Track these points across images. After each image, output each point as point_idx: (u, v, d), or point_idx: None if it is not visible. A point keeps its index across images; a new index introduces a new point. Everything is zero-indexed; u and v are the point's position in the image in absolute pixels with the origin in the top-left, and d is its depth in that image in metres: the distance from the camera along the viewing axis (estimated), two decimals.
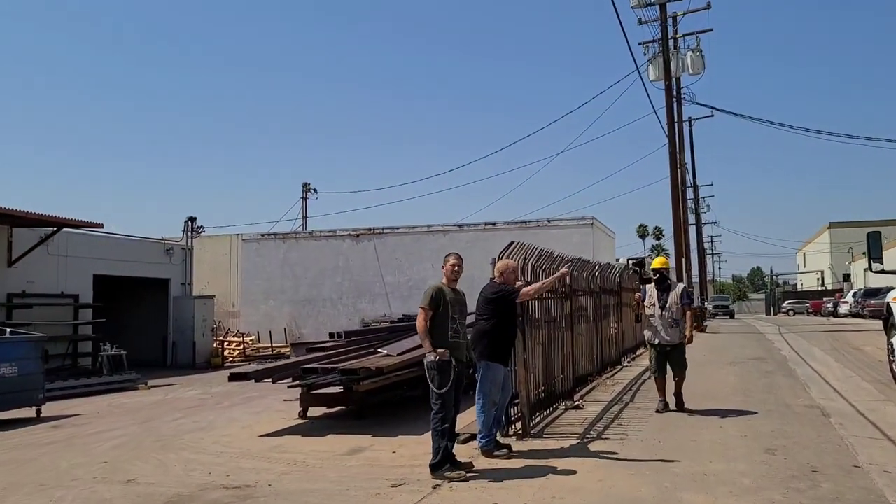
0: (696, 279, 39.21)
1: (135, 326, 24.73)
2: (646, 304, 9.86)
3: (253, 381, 9.15)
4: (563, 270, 8.75)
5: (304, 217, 31.90)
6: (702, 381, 12.04)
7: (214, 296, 26.10)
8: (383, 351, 10.26)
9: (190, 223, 25.53)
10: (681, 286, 10.15)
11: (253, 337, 27.38)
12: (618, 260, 25.52)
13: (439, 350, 6.59)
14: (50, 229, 19.96)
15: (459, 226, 25.81)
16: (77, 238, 21.80)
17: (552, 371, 9.89)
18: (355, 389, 9.34)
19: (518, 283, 8.27)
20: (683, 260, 26.33)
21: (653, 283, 9.86)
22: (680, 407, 9.69)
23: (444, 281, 6.93)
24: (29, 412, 11.90)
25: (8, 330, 12.36)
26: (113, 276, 22.96)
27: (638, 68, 21.70)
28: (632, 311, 16.00)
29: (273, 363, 11.04)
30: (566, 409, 10.01)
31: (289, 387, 9.47)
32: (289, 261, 27.71)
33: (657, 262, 10.12)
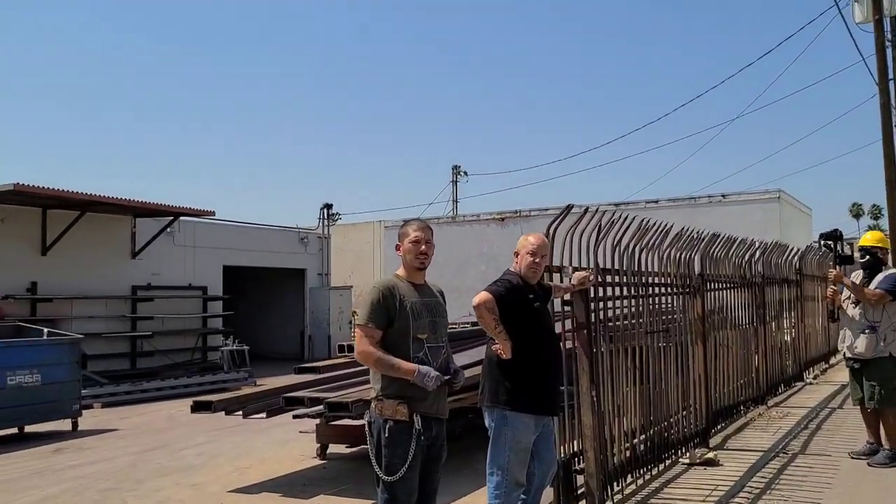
0: None
1: (271, 320, 23.77)
2: (842, 296, 7.02)
3: (217, 412, 6.69)
4: (579, 274, 5.44)
5: (455, 201, 29.75)
6: None
7: (352, 287, 24.50)
8: None
9: (326, 210, 24.07)
10: (890, 272, 6.70)
11: None
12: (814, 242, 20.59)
13: (386, 403, 3.73)
14: (167, 219, 19.08)
15: (616, 204, 22.22)
16: (205, 228, 20.97)
17: (661, 407, 6.55)
18: None
19: (568, 279, 5.20)
20: None
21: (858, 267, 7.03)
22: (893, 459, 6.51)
23: (401, 272, 4.00)
24: (65, 424, 10.46)
25: (46, 330, 10.98)
26: (244, 266, 22.00)
27: (837, 3, 16.71)
28: (826, 307, 11.90)
29: (260, 388, 8.55)
30: (689, 467, 6.64)
31: (294, 416, 6.92)
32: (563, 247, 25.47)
33: (868, 238, 7.05)
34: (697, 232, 7.61)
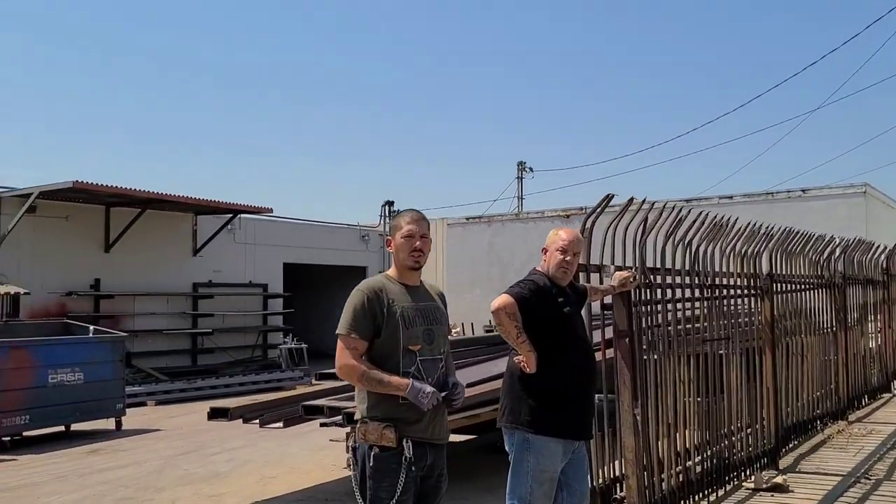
0: None
1: (330, 318, 23.48)
2: None
3: (234, 420, 6.27)
4: (620, 274, 4.75)
5: (520, 197, 28.97)
6: None
7: None
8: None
9: (387, 208, 23.77)
10: None
11: (458, 329, 25.03)
12: None
13: (371, 427, 3.18)
14: (227, 216, 19.07)
15: (688, 200, 21.08)
16: (266, 225, 20.95)
17: (722, 423, 5.82)
18: None
19: (610, 279, 4.61)
20: None
21: None
22: None
23: (392, 272, 3.45)
24: (111, 423, 10.36)
25: (91, 328, 10.91)
26: (305, 264, 21.89)
27: None
28: None
29: (287, 393, 8.09)
30: (753, 493, 5.90)
31: (322, 424, 6.44)
32: (495, 246, 24.92)
33: None
34: (767, 227, 6.80)
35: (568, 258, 3.96)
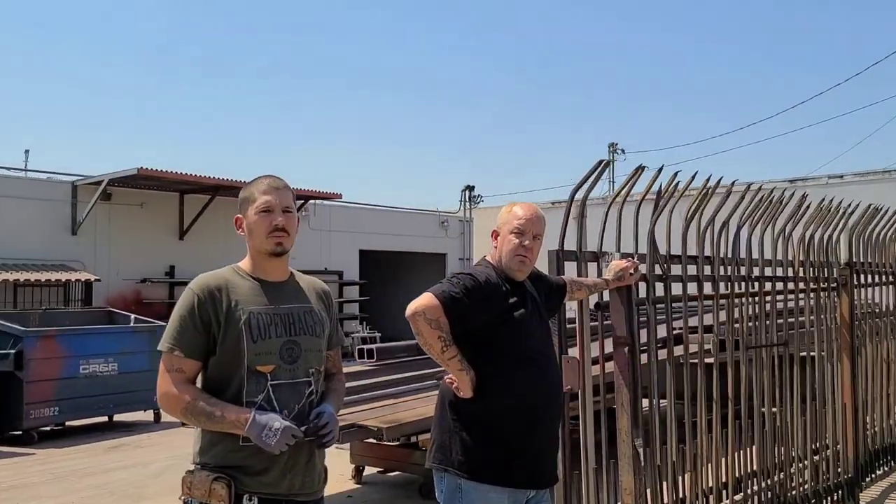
0: None
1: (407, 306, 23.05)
2: None
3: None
4: (617, 264, 3.68)
5: (612, 181, 27.41)
6: None
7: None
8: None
9: (467, 193, 22.95)
10: None
11: None
12: None
13: (197, 478, 2.36)
14: (298, 202, 18.77)
15: (791, 181, 19.19)
16: (341, 211, 20.62)
17: (776, 451, 4.70)
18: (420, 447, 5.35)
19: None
20: None
21: None
22: None
23: (245, 263, 2.59)
24: (149, 415, 10.11)
25: (133, 317, 10.66)
26: (381, 250, 21.42)
27: None
28: None
29: None
30: None
31: None
32: (612, 228, 23.66)
33: None
34: (846, 205, 5.53)
35: (526, 243, 2.99)
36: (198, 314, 2.36)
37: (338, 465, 7.10)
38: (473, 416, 2.87)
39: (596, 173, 3.79)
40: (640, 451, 3.68)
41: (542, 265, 3.71)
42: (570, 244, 3.84)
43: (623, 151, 28.13)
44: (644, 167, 4.05)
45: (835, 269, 5.45)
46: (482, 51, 68.42)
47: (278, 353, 2.40)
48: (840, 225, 5.46)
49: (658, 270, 4.08)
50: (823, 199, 5.35)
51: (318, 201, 19.44)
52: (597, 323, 3.90)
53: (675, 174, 4.34)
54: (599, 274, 3.83)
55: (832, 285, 5.41)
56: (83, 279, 14.98)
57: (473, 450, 2.85)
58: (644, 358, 4.28)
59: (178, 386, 2.33)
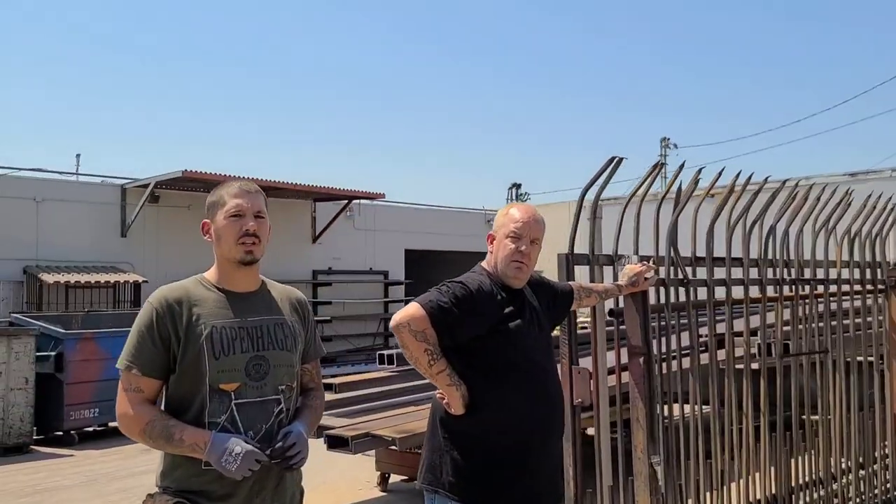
0: None
1: None
2: None
3: None
4: (631, 268, 3.43)
5: (664, 176, 26.70)
6: None
7: (542, 272, 22.88)
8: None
9: (514, 190, 22.66)
10: None
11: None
12: None
13: (157, 501, 2.22)
14: (343, 202, 18.83)
15: (852, 174, 18.31)
16: (385, 211, 20.58)
17: (816, 464, 4.40)
18: None
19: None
20: None
21: None
22: None
23: (211, 272, 2.43)
24: None
25: None
26: (427, 250, 21.30)
27: None
28: None
29: None
30: None
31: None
32: (631, 229, 23.14)
33: None
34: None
35: (523, 248, 2.80)
36: (156, 329, 2.22)
37: (364, 472, 6.99)
38: (465, 435, 2.69)
39: (608, 171, 3.56)
40: (658, 468, 3.43)
41: (552, 270, 3.51)
42: (582, 247, 3.63)
43: (676, 146, 27.43)
44: (663, 164, 3.81)
45: (884, 270, 5.07)
46: (530, 48, 67.87)
47: (244, 369, 2.25)
48: (890, 221, 5.08)
49: (679, 273, 3.82)
50: (870, 195, 4.98)
51: (361, 201, 19.42)
52: (612, 329, 3.66)
53: (720, 172, 4.09)
54: (614, 277, 3.60)
55: (880, 287, 5.04)
56: (132, 281, 15.22)
57: (465, 470, 2.66)
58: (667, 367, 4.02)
59: (136, 406, 2.20)
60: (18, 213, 14.91)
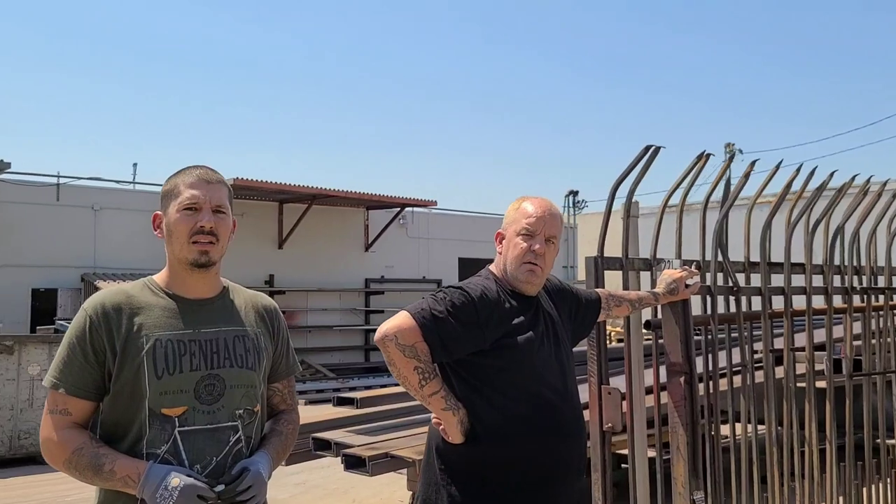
0: None
1: None
2: None
3: None
4: (670, 273, 2.97)
5: (728, 181, 25.70)
6: None
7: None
8: None
9: (571, 198, 22.12)
10: None
11: None
12: None
13: None
14: (395, 210, 18.65)
15: None
16: (439, 219, 20.35)
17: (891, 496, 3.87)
18: None
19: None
20: None
21: None
22: None
23: (160, 276, 2.04)
24: None
25: None
26: (481, 258, 20.92)
27: None
28: None
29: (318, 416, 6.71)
30: None
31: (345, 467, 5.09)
32: (694, 236, 22.30)
33: None
34: None
35: (536, 247, 2.42)
36: (88, 342, 1.88)
37: (398, 490, 6.65)
38: (464, 467, 2.32)
39: (644, 161, 3.14)
40: None
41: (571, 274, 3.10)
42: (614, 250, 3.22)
43: (741, 151, 26.35)
44: (710, 154, 3.36)
45: None
46: (585, 58, 66.91)
47: (192, 391, 1.90)
48: None
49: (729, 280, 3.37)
50: None
51: (415, 209, 19.22)
52: (650, 342, 3.24)
53: (777, 166, 3.63)
54: (652, 284, 3.17)
55: None
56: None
57: None
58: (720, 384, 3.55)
59: (61, 431, 1.87)
60: (77, 221, 15.17)
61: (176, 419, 1.87)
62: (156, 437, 1.86)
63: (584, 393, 3.09)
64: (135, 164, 38.37)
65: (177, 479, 1.79)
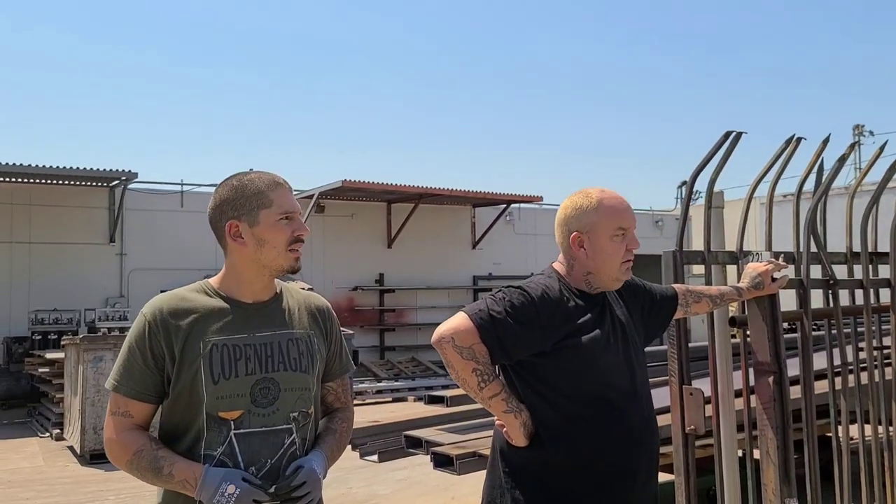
0: None
1: None
2: None
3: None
4: (754, 267, 2.72)
5: (857, 167, 24.02)
6: None
7: None
8: None
9: (683, 189, 21.31)
10: None
11: None
12: None
13: None
14: (501, 207, 18.61)
15: None
16: (546, 215, 20.14)
17: None
18: None
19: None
20: None
21: None
22: None
23: (217, 279, 2.07)
24: None
25: None
26: None
27: None
28: None
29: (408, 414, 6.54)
30: None
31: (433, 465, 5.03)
32: (784, 227, 21.03)
33: None
34: None
35: (634, 245, 2.39)
36: (148, 346, 1.93)
37: (448, 498, 6.60)
38: (528, 471, 2.25)
39: (725, 147, 2.97)
40: None
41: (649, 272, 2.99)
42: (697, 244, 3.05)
43: (872, 133, 24.63)
44: (801, 138, 3.13)
45: None
46: (704, 50, 64.31)
47: (249, 394, 1.93)
48: None
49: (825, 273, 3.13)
50: None
51: (521, 205, 19.11)
52: (738, 341, 3.05)
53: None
54: (738, 278, 2.99)
55: None
56: (299, 288, 15.84)
57: None
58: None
59: (123, 433, 1.92)
60: (200, 226, 15.98)
61: (232, 422, 1.91)
62: (213, 439, 1.90)
63: (664, 394, 2.96)
64: (250, 169, 40.13)
65: (233, 486, 1.83)
